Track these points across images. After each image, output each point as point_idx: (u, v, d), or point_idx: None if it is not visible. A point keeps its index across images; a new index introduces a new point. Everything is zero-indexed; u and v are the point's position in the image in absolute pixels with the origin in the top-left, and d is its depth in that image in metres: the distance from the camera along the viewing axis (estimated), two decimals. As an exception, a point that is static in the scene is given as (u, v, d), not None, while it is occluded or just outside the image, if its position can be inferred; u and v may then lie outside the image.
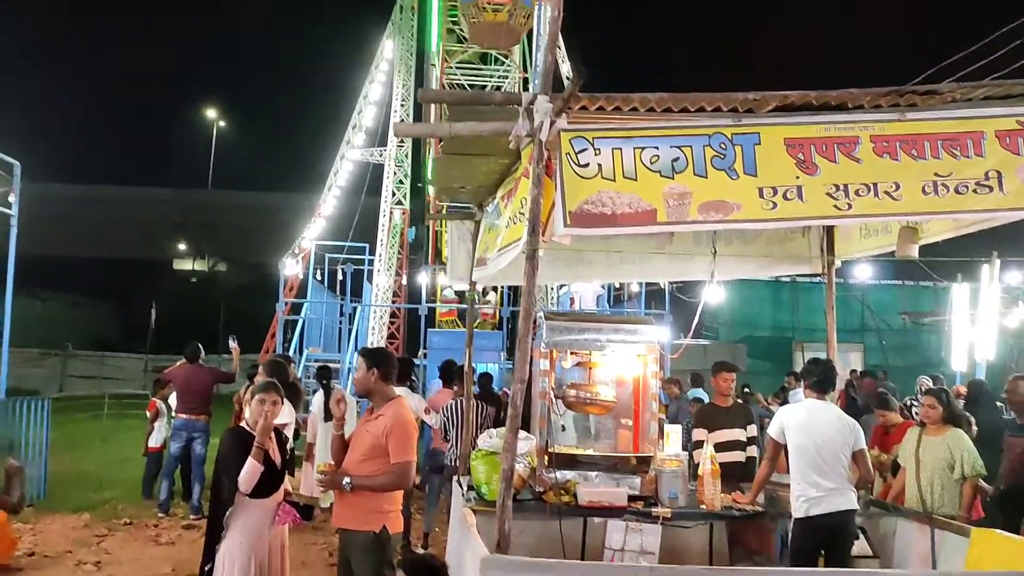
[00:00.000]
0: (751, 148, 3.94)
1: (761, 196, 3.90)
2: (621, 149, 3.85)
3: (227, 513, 4.59)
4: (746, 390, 13.14)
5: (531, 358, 5.19)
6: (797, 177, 3.92)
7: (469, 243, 6.42)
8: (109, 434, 16.72)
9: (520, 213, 4.21)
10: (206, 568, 4.66)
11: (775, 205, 3.90)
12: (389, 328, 23.52)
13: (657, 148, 3.87)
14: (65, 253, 37.35)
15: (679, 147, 3.89)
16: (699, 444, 6.40)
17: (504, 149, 4.35)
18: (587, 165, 3.83)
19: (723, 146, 3.92)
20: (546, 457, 5.48)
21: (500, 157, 4.75)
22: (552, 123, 3.76)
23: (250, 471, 4.49)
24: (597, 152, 3.84)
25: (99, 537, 8.27)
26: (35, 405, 10.01)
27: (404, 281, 24.11)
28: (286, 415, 5.33)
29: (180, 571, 7.06)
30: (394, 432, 4.55)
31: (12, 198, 9.41)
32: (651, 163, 3.86)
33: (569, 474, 5.43)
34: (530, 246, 3.77)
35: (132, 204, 42.12)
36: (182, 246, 47.94)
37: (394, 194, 24.05)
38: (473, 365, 7.38)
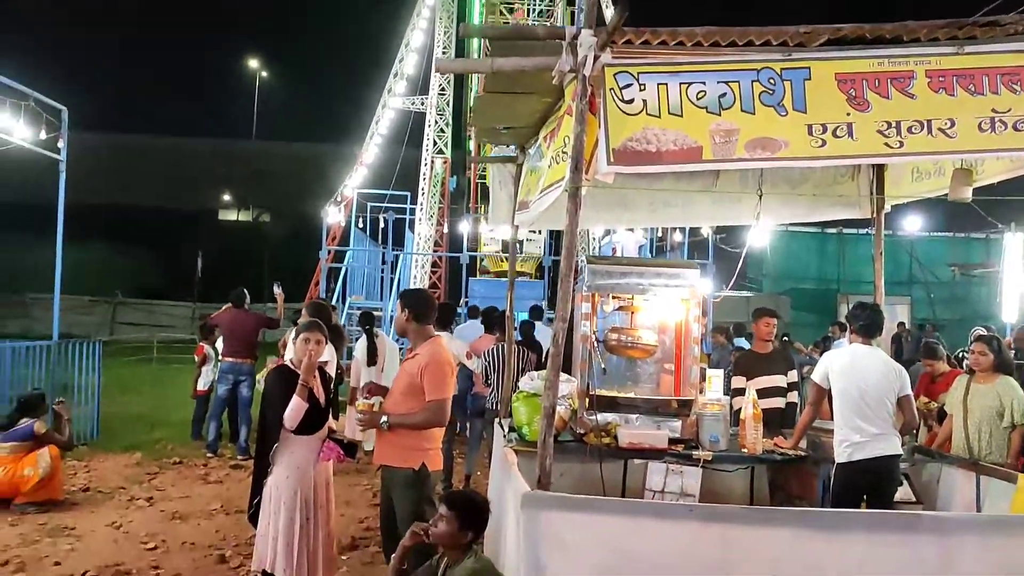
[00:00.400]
0: (801, 84, 3.82)
1: (810, 133, 3.80)
2: (667, 84, 3.76)
3: (273, 449, 4.69)
4: (785, 338, 13.01)
5: (572, 301, 5.19)
6: (848, 114, 3.81)
7: (511, 187, 6.37)
8: (158, 378, 17.17)
9: (563, 152, 4.16)
10: (254, 501, 4.79)
11: (824, 143, 3.80)
12: (431, 277, 23.62)
13: (704, 83, 3.78)
14: (113, 202, 38.02)
15: (726, 82, 3.79)
16: (738, 392, 6.36)
17: (547, 86, 4.29)
18: (631, 101, 3.75)
19: (772, 81, 3.81)
20: (587, 399, 5.49)
21: (542, 95, 4.68)
22: (596, 58, 3.68)
23: (295, 408, 4.56)
24: (642, 88, 3.75)
25: (150, 475, 8.54)
26: (87, 348, 10.27)
27: (446, 229, 24.14)
28: (327, 354, 5.40)
29: (228, 507, 7.26)
30: (429, 370, 4.62)
31: (60, 143, 9.54)
32: (697, 99, 3.77)
33: (610, 416, 5.43)
34: (573, 184, 3.72)
35: (178, 154, 42.63)
36: (227, 196, 48.50)
37: (435, 143, 23.95)
38: (514, 313, 7.39)
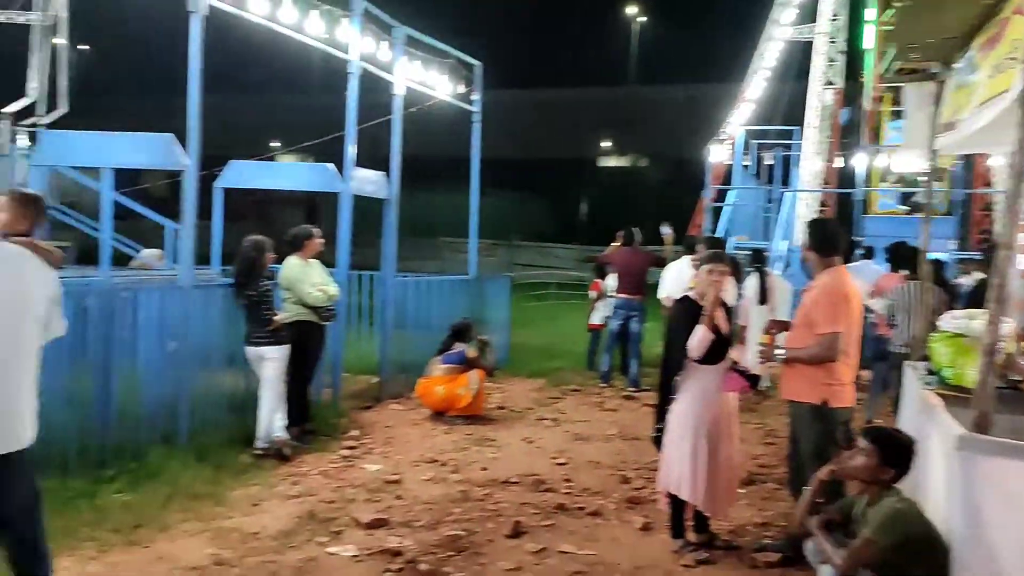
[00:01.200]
0: None
1: None
2: None
3: (677, 378, 4.81)
4: None
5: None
6: None
7: (931, 107, 5.76)
8: (554, 313, 18.46)
9: (1010, 59, 3.66)
10: (658, 427, 4.96)
11: None
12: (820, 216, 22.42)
13: None
14: (505, 153, 41.16)
15: None
16: None
17: (989, -14, 3.79)
18: (1108, -12, 3.18)
19: None
20: (1025, 343, 4.86)
21: (980, -1, 4.15)
22: (1063, -60, 3.16)
23: (700, 337, 4.61)
24: (1124, -29, 3.16)
25: (552, 399, 9.28)
26: (498, 284, 11.37)
27: (837, 165, 22.59)
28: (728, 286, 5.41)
29: (625, 433, 7.65)
30: (819, 302, 4.53)
31: (474, 96, 10.52)
32: None
33: (1055, 363, 4.76)
34: (1028, 91, 3.25)
35: (561, 106, 44.80)
36: (606, 143, 50.13)
37: (825, 73, 22.43)
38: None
